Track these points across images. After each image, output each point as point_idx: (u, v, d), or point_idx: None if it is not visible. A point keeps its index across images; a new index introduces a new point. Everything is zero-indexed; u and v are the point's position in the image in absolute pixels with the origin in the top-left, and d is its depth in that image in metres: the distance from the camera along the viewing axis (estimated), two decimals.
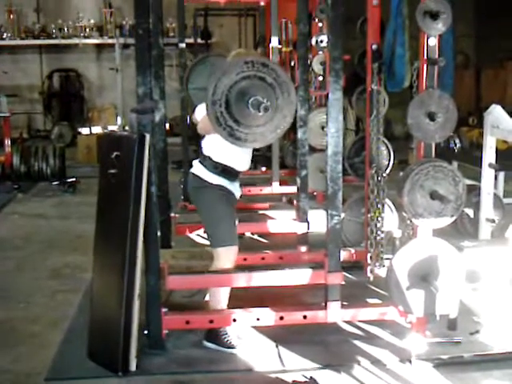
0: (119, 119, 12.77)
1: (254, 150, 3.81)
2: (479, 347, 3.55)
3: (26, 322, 4.04)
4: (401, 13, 3.98)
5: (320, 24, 6.32)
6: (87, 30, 13.54)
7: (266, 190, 7.00)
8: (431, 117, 3.29)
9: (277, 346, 3.61)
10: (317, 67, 6.39)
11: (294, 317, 3.61)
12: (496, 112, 4.65)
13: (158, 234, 3.48)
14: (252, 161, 3.87)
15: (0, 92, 11.54)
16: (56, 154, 8.81)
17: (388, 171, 4.54)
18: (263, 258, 4.56)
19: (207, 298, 3.89)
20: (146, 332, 3.49)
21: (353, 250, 4.59)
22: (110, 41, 13.40)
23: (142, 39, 3.29)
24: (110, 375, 3.28)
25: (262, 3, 8.01)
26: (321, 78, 6.48)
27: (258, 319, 3.57)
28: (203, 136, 3.73)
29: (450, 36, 3.67)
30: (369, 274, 4.33)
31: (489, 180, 4.71)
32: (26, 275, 4.96)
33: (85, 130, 11.66)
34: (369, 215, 4.28)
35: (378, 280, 4.26)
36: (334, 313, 3.58)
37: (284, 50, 8.26)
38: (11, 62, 13.84)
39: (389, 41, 4.03)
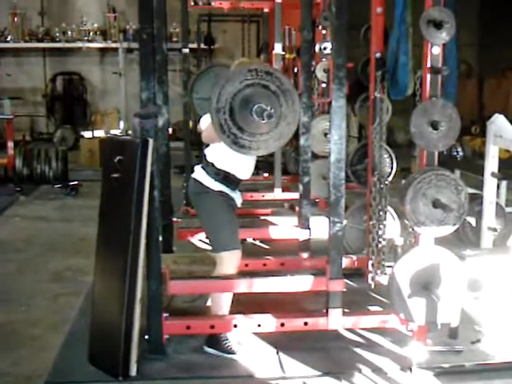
0: (122, 123, 12.79)
1: (257, 156, 3.81)
2: (480, 356, 3.54)
3: (26, 324, 4.04)
4: (404, 21, 3.99)
5: (324, 31, 6.33)
6: (91, 33, 13.57)
7: (268, 196, 7.00)
8: (434, 125, 3.29)
9: (277, 353, 3.60)
10: (320, 74, 6.39)
11: (295, 323, 3.61)
12: (499, 121, 4.66)
13: (160, 238, 3.49)
14: (254, 167, 3.88)
15: (3, 94, 11.60)
16: (58, 157, 8.82)
17: (390, 179, 4.53)
18: (265, 264, 4.56)
19: (209, 303, 3.89)
20: (146, 337, 3.48)
21: (354, 257, 4.59)
22: (114, 45, 13.42)
23: (146, 44, 3.30)
24: (111, 380, 3.28)
25: (266, 10, 8.03)
26: (324, 85, 6.49)
27: (258, 325, 3.57)
28: (207, 143, 3.74)
29: (454, 45, 3.68)
30: (370, 282, 4.32)
31: (491, 189, 4.72)
32: (27, 278, 4.97)
33: (87, 134, 11.67)
34: (371, 222, 4.28)
35: (380, 287, 4.26)
36: (335, 320, 3.58)
37: (287, 56, 8.28)
38: (15, 64, 13.86)
39: (392, 49, 4.03)
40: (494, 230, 4.71)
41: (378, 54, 4.16)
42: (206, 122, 3.57)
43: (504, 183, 5.81)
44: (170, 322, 3.53)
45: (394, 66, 4.07)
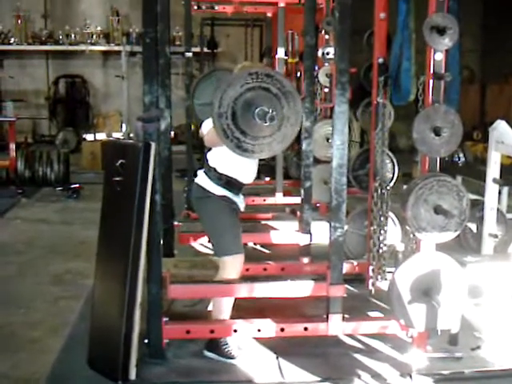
0: (124, 126, 12.81)
1: (258, 160, 3.81)
2: (480, 363, 3.54)
3: (26, 327, 4.04)
4: (407, 26, 3.99)
5: (326, 36, 6.33)
6: (94, 36, 13.60)
7: (270, 201, 7.00)
8: (437, 131, 3.29)
9: (277, 358, 3.60)
10: (323, 79, 6.40)
11: (295, 328, 3.60)
12: (501, 127, 4.66)
13: (161, 242, 3.48)
14: (256, 171, 3.88)
15: (6, 97, 11.62)
16: (60, 160, 8.84)
17: (392, 184, 4.53)
18: (265, 269, 4.56)
19: (210, 307, 3.89)
20: (146, 341, 3.48)
21: (355, 263, 4.58)
22: (117, 48, 13.46)
23: (150, 48, 3.30)
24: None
25: (269, 14, 8.02)
26: (326, 90, 6.49)
27: (258, 330, 3.56)
28: (209, 147, 3.74)
29: (457, 51, 3.67)
30: (370, 287, 4.31)
31: (492, 195, 4.71)
32: (28, 280, 4.96)
33: (89, 137, 11.70)
34: (372, 228, 4.27)
35: (380, 293, 4.26)
36: (336, 325, 3.57)
37: (290, 61, 8.29)
38: (18, 67, 13.90)
39: (395, 54, 4.03)
40: (495, 236, 4.70)
41: (380, 60, 4.17)
42: (207, 127, 3.57)
43: (505, 189, 5.81)
44: (169, 327, 3.53)
45: (396, 71, 4.07)
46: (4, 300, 4.51)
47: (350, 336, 3.80)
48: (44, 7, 13.94)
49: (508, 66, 12.65)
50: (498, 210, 4.87)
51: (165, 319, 3.51)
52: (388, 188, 4.27)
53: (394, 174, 4.68)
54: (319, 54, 6.26)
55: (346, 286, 3.67)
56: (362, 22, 4.73)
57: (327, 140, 6.03)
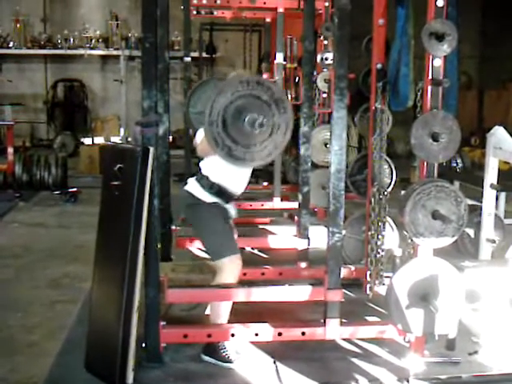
0: (122, 130, 12.82)
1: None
2: (478, 368, 3.54)
3: (24, 331, 4.03)
4: (406, 32, 4.00)
5: (325, 41, 6.36)
6: (93, 41, 13.62)
7: (267, 205, 6.99)
8: (435, 137, 3.30)
9: (275, 362, 3.60)
10: (321, 84, 6.42)
11: (293, 333, 3.60)
12: (499, 133, 4.67)
13: (159, 246, 3.49)
14: (254, 175, 3.89)
15: (4, 100, 11.62)
16: (58, 164, 8.83)
17: (390, 189, 4.54)
18: (263, 273, 4.56)
19: (207, 311, 3.89)
20: (143, 345, 3.48)
21: (352, 268, 4.59)
22: (116, 52, 13.47)
23: (149, 53, 3.31)
24: None
25: (268, 19, 8.04)
26: (325, 95, 6.51)
27: (256, 334, 3.56)
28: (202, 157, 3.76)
29: (455, 57, 3.68)
30: (368, 292, 4.32)
31: (490, 200, 4.72)
32: (25, 284, 4.96)
33: (87, 141, 11.70)
34: (369, 233, 4.28)
35: (378, 298, 4.26)
36: (333, 330, 3.57)
37: (289, 66, 8.31)
38: (16, 70, 13.91)
39: (394, 60, 4.04)
40: (493, 241, 4.71)
41: (379, 65, 4.18)
42: (201, 136, 3.59)
43: (503, 195, 5.82)
44: (167, 331, 3.52)
45: (395, 77, 4.08)
46: (1, 304, 4.50)
47: (348, 340, 3.81)
48: (43, 11, 13.96)
49: (506, 72, 12.69)
50: (495, 215, 4.88)
51: (162, 323, 3.50)
52: (386, 193, 4.27)
53: (391, 180, 4.69)
54: (318, 59, 6.28)
55: (344, 290, 3.67)
56: (361, 27, 4.76)
57: (325, 145, 6.05)
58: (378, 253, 4.25)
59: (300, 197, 4.96)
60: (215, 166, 3.61)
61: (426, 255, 3.44)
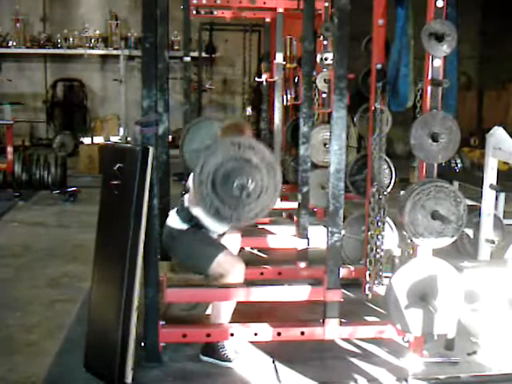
0: (122, 130, 12.82)
1: None
2: (476, 368, 3.55)
3: (22, 330, 4.03)
4: (406, 33, 4.00)
5: (325, 42, 6.35)
6: (92, 40, 13.62)
7: None
8: (434, 138, 3.30)
9: (273, 362, 3.60)
10: (321, 84, 6.41)
11: (292, 333, 3.60)
12: (498, 134, 4.67)
13: (158, 246, 3.49)
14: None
15: (4, 100, 11.62)
16: (58, 163, 8.83)
17: (389, 189, 4.54)
18: (262, 273, 4.56)
19: (208, 311, 3.89)
20: (142, 344, 3.48)
21: (352, 268, 4.59)
22: (115, 52, 13.48)
23: (149, 53, 3.31)
24: None
25: (268, 19, 8.05)
26: (324, 95, 6.51)
27: (255, 334, 3.56)
28: (186, 190, 3.75)
29: (455, 57, 3.68)
30: (367, 292, 4.32)
31: (489, 201, 4.72)
32: (24, 283, 4.95)
33: (87, 140, 11.70)
34: (369, 233, 4.28)
35: (377, 298, 4.26)
36: (332, 330, 3.57)
37: (288, 66, 8.31)
38: (16, 70, 13.92)
39: (394, 60, 4.04)
40: (492, 242, 4.71)
41: (378, 66, 4.18)
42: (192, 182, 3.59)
43: (502, 195, 5.83)
44: (166, 330, 3.53)
45: (394, 77, 4.08)
46: (0, 303, 4.50)
47: (347, 340, 3.81)
48: (43, 11, 13.97)
49: (506, 72, 12.70)
50: (494, 215, 4.88)
51: (161, 323, 3.51)
52: (385, 193, 4.27)
53: (391, 180, 4.69)
54: (317, 59, 6.27)
55: (343, 290, 3.67)
56: (361, 27, 4.76)
57: (325, 145, 6.04)
58: (378, 253, 4.25)
59: (299, 197, 4.96)
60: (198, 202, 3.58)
61: (425, 255, 3.44)
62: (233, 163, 3.12)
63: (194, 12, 7.71)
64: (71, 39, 13.60)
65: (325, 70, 6.34)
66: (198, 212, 3.66)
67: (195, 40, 11.64)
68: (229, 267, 3.61)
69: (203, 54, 12.08)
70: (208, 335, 3.54)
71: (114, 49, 13.57)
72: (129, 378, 3.28)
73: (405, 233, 3.44)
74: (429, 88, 3.35)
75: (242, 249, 5.28)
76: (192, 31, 7.96)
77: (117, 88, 13.31)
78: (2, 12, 13.59)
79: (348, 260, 4.71)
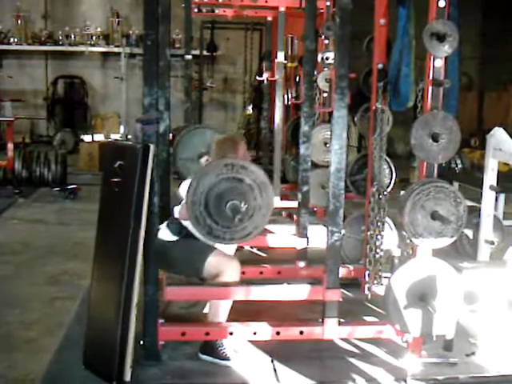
0: (122, 127, 12.81)
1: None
2: (475, 369, 3.55)
3: (22, 327, 4.03)
4: (407, 33, 4.00)
5: (326, 41, 6.34)
6: (94, 37, 13.61)
7: None
8: (435, 138, 3.30)
9: (272, 361, 3.60)
10: (322, 84, 6.41)
11: (291, 332, 3.60)
12: (498, 135, 4.67)
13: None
14: None
15: (5, 96, 11.60)
16: (58, 161, 8.83)
17: (389, 189, 4.54)
18: (261, 272, 4.56)
19: (206, 310, 3.89)
20: (141, 342, 3.48)
21: (351, 267, 4.59)
22: (116, 49, 13.48)
23: (151, 50, 3.31)
24: None
25: (269, 18, 8.04)
26: (325, 95, 6.50)
27: (254, 333, 3.56)
28: (178, 199, 3.74)
29: (456, 58, 3.68)
30: (366, 292, 4.32)
31: (489, 202, 4.72)
32: (24, 281, 4.96)
33: (87, 138, 11.69)
34: (368, 233, 4.28)
35: (376, 298, 4.26)
36: (331, 329, 3.57)
37: (289, 65, 8.30)
38: (17, 66, 13.90)
39: (395, 60, 4.04)
40: (492, 242, 4.71)
41: (380, 65, 4.18)
42: (183, 192, 3.55)
43: (502, 196, 5.83)
44: (165, 328, 3.53)
45: (396, 77, 4.08)
46: (0, 300, 4.50)
47: (346, 340, 3.81)
48: (44, 8, 13.96)
49: (506, 73, 12.70)
50: (494, 216, 4.88)
51: (160, 321, 3.51)
52: (385, 193, 4.27)
53: (391, 180, 4.69)
54: (319, 58, 6.27)
55: (342, 290, 3.67)
56: (362, 27, 4.75)
57: (325, 144, 6.04)
58: (377, 253, 4.25)
59: (299, 196, 4.96)
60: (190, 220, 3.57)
61: (424, 256, 3.44)
62: (226, 183, 3.16)
63: (196, 10, 7.70)
64: (72, 36, 13.59)
65: (326, 69, 6.34)
66: (188, 223, 3.65)
67: (196, 38, 11.63)
68: (222, 267, 3.62)
69: (204, 53, 12.09)
70: (207, 334, 3.54)
71: (116, 46, 13.57)
72: (127, 375, 3.28)
73: (404, 233, 3.44)
74: (430, 88, 3.35)
75: (241, 248, 5.30)
76: (193, 29, 7.97)
77: (118, 86, 13.29)
78: (3, 9, 13.57)
79: (347, 260, 4.71)
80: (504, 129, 4.71)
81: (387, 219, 4.44)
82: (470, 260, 4.65)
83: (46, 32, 13.66)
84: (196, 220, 3.18)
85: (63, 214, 7.49)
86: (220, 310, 3.65)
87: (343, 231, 4.29)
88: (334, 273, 3.58)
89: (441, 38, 3.26)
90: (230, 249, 4.05)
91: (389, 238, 4.54)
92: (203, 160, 4.24)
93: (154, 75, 3.34)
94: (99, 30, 13.74)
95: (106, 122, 13.48)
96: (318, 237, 4.64)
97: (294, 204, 5.42)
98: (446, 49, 3.30)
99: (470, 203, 4.96)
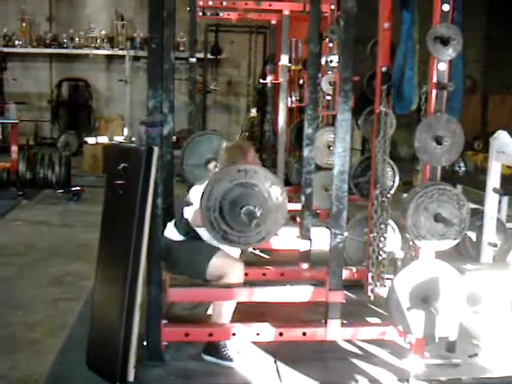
0: (126, 130, 12.84)
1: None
2: (477, 370, 3.55)
3: (25, 328, 4.04)
4: (411, 36, 4.01)
5: (330, 44, 6.36)
6: (98, 40, 13.64)
7: None
8: (438, 140, 3.31)
9: (275, 362, 3.61)
10: (325, 87, 6.41)
11: (294, 333, 3.61)
12: (502, 137, 4.68)
13: (162, 245, 3.50)
14: None
15: (9, 99, 11.65)
16: (62, 162, 8.83)
17: (392, 192, 4.55)
18: (264, 274, 4.57)
19: (209, 311, 3.90)
20: (145, 343, 3.49)
21: (354, 269, 4.60)
22: (121, 52, 13.50)
23: (155, 53, 3.32)
24: None
25: (274, 21, 8.08)
26: (329, 98, 6.51)
27: (257, 334, 3.57)
28: (187, 203, 3.76)
29: (460, 61, 3.69)
30: (369, 294, 4.33)
31: (492, 204, 4.73)
32: (27, 282, 4.97)
33: (91, 140, 11.71)
34: (371, 235, 4.29)
35: (379, 300, 4.27)
36: (334, 331, 3.58)
37: (293, 68, 8.32)
38: (21, 69, 13.94)
39: (399, 63, 4.06)
40: (495, 245, 4.71)
41: (384, 69, 4.19)
42: (195, 198, 3.60)
43: (505, 199, 5.82)
44: (168, 329, 3.54)
45: (399, 80, 4.09)
46: (3, 301, 4.51)
47: (349, 341, 3.82)
48: (49, 10, 14.00)
49: (510, 77, 12.69)
50: (497, 219, 4.89)
51: (164, 322, 3.52)
52: (388, 196, 4.28)
53: (394, 182, 4.70)
54: (322, 61, 6.28)
55: (345, 292, 3.68)
56: (366, 31, 4.76)
57: (329, 147, 6.05)
58: (380, 255, 4.26)
59: (303, 198, 4.97)
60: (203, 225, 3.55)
61: (427, 258, 3.45)
62: (240, 189, 3.19)
63: (201, 13, 7.75)
64: (77, 39, 13.62)
65: (330, 72, 6.35)
66: (201, 230, 3.65)
67: (201, 41, 11.65)
68: (226, 268, 3.62)
69: (209, 56, 12.11)
70: (210, 335, 3.55)
71: (120, 49, 13.59)
72: (131, 376, 3.28)
73: (407, 235, 3.45)
74: (433, 91, 3.36)
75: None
76: (198, 32, 7.99)
77: (122, 88, 13.33)
78: (8, 11, 13.62)
79: (351, 262, 4.71)
80: (508, 132, 4.71)
81: (390, 221, 4.45)
82: (472, 262, 4.65)
83: (50, 35, 13.69)
84: (211, 225, 3.21)
85: (67, 216, 7.51)
86: (223, 311, 3.66)
87: (346, 233, 4.30)
88: (337, 275, 3.59)
89: (445, 41, 3.27)
90: (235, 251, 4.05)
91: (392, 240, 4.55)
92: (211, 166, 4.26)
93: (159, 78, 3.35)
94: (104, 32, 13.76)
95: (109, 124, 13.50)
96: (321, 239, 4.65)
97: (297, 206, 5.44)
98: (450, 52, 3.31)
99: (473, 206, 4.96)
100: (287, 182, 7.56)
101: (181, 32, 12.44)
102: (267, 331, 3.57)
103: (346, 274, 4.21)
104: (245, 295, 3.67)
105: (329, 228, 3.60)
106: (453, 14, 3.37)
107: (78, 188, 8.54)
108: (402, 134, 6.19)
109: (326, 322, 3.58)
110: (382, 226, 4.26)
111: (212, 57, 13.06)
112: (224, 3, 7.18)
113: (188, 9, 7.08)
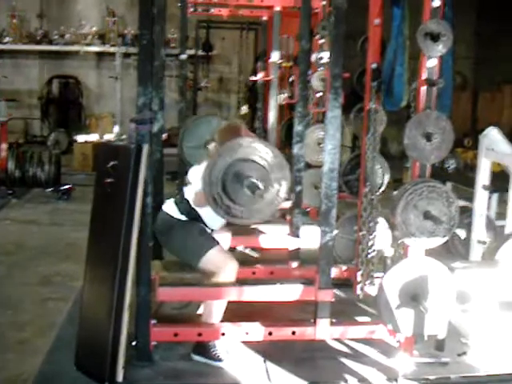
0: (116, 127, 12.79)
1: None
2: (466, 369, 3.56)
3: (14, 328, 4.02)
4: (401, 32, 4.00)
5: (321, 41, 6.34)
6: (89, 37, 13.58)
7: None
8: (428, 137, 3.30)
9: (265, 361, 3.60)
10: (316, 83, 6.40)
11: (283, 332, 3.61)
12: (492, 135, 4.68)
13: (151, 244, 3.48)
14: None
15: None
16: (52, 161, 8.78)
17: (382, 189, 4.54)
18: (254, 273, 4.55)
19: (200, 311, 3.88)
20: (134, 343, 3.47)
21: (343, 267, 4.59)
22: (112, 49, 13.44)
23: (145, 50, 3.30)
24: None
25: (265, 18, 8.05)
26: (319, 95, 6.49)
27: (246, 334, 3.56)
28: (186, 183, 3.76)
29: (450, 57, 3.69)
30: (358, 292, 4.31)
31: (482, 202, 4.73)
32: (17, 281, 4.95)
33: (81, 138, 11.66)
34: (361, 233, 4.28)
35: (368, 298, 4.26)
36: (323, 330, 3.58)
37: (284, 65, 8.30)
38: (11, 66, 13.86)
39: (389, 59, 4.04)
40: (484, 242, 4.71)
41: (374, 65, 4.17)
42: (195, 178, 3.59)
43: (495, 196, 5.83)
44: (157, 329, 3.52)
45: (389, 76, 4.08)
46: None
47: (338, 340, 3.81)
48: (40, 7, 13.92)
49: (501, 73, 12.73)
50: (486, 216, 4.89)
51: (153, 321, 3.51)
52: (378, 193, 4.27)
53: (384, 180, 4.69)
54: (313, 58, 6.26)
55: (335, 290, 3.68)
56: (356, 26, 4.74)
57: (319, 144, 6.03)
58: (369, 253, 4.25)
59: (293, 196, 4.96)
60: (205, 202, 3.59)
61: (416, 255, 3.44)
62: (242, 163, 3.14)
63: (191, 9, 7.70)
64: (68, 36, 13.55)
65: (320, 69, 6.33)
66: (197, 207, 3.67)
67: (192, 38, 11.60)
68: (220, 264, 3.62)
69: (200, 52, 12.06)
70: (199, 334, 3.54)
71: (111, 46, 13.53)
72: (120, 376, 3.27)
73: (397, 233, 3.44)
74: (423, 88, 3.35)
75: (234, 248, 5.29)
76: (189, 29, 7.95)
77: (112, 85, 13.28)
78: None
79: (340, 260, 4.70)
80: (498, 129, 4.71)
81: (380, 219, 4.44)
82: (462, 260, 4.65)
83: (41, 31, 13.61)
84: (214, 200, 3.15)
85: (56, 215, 7.47)
86: (214, 310, 3.64)
87: (336, 231, 4.28)
88: (327, 273, 3.58)
89: (435, 37, 3.27)
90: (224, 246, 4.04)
91: (381, 238, 4.54)
92: (211, 146, 4.25)
93: (149, 75, 3.33)
94: (94, 29, 13.70)
95: (100, 121, 13.44)
96: (311, 237, 4.64)
97: (287, 204, 5.43)
98: (440, 48, 3.30)
99: (462, 203, 4.96)
100: None
101: (172, 28, 12.39)
102: (256, 331, 3.57)
103: (335, 272, 4.21)
104: (234, 294, 3.66)
105: (318, 226, 3.59)
106: (444, 9, 3.35)
107: (67, 186, 8.50)
108: (392, 131, 6.18)
109: (315, 321, 3.57)
110: (372, 223, 4.25)
111: (203, 53, 13.03)
112: None
113: (179, 5, 7.04)
